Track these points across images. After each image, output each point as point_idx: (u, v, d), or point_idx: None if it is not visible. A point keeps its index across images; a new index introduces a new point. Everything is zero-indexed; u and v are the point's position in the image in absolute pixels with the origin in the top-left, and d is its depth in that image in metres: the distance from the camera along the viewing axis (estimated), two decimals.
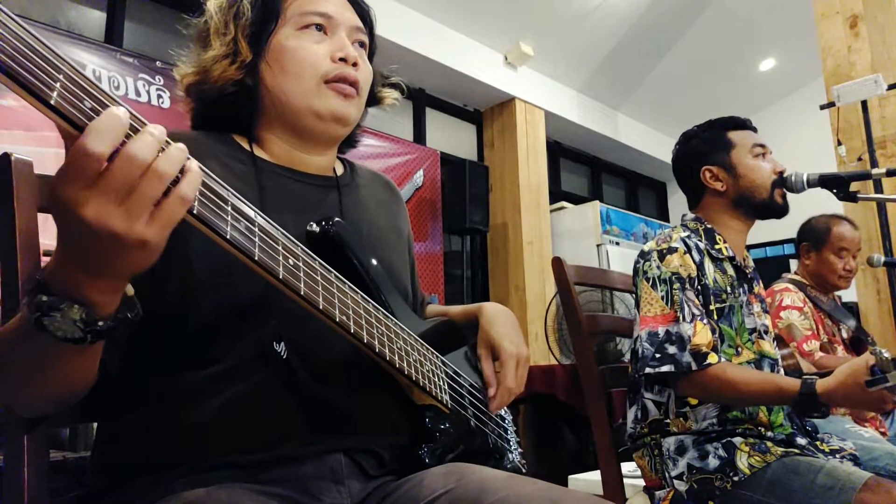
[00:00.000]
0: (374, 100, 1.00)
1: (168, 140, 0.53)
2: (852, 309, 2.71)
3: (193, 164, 0.55)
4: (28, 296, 0.55)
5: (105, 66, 3.00)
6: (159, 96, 3.17)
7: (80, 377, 0.67)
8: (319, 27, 0.89)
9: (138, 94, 3.10)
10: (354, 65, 0.89)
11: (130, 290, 0.61)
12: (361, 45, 0.94)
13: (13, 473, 0.77)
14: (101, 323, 0.57)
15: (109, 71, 3.01)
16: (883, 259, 2.28)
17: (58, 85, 0.49)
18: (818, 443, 1.40)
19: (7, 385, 0.67)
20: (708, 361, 1.27)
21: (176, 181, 0.53)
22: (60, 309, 0.54)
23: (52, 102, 0.48)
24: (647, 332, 1.34)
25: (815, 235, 2.29)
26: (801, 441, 1.35)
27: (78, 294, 0.55)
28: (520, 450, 1.03)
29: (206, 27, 0.89)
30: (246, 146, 0.89)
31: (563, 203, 5.27)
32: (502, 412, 1.04)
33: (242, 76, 0.87)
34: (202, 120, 0.92)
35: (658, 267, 1.39)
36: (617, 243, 5.00)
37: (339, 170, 0.99)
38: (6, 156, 0.84)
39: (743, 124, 1.56)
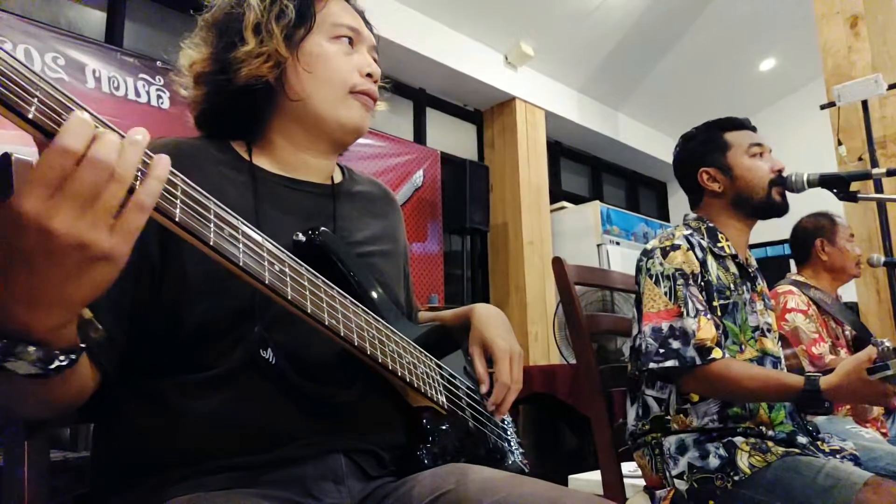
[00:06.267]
0: None
1: (124, 142, 0.51)
2: (853, 309, 2.71)
3: (157, 169, 0.53)
4: None
5: (105, 66, 3.00)
6: (159, 97, 3.17)
7: (66, 394, 0.65)
8: (349, 40, 0.91)
9: (138, 94, 3.10)
10: (376, 81, 0.92)
11: (87, 312, 0.59)
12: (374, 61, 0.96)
13: (13, 473, 0.77)
14: (61, 357, 0.55)
15: (109, 71, 3.01)
16: (883, 259, 2.28)
17: (35, 101, 0.48)
18: (819, 442, 1.40)
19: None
20: (712, 356, 1.28)
21: (132, 189, 0.51)
22: (14, 353, 0.52)
23: (31, 117, 0.48)
24: (650, 328, 1.34)
25: (824, 229, 2.30)
26: (802, 440, 1.35)
27: (29, 334, 0.52)
28: (521, 450, 1.03)
29: (239, 19, 0.86)
30: (244, 153, 0.89)
31: (564, 203, 5.27)
32: None
33: (272, 75, 0.86)
34: (210, 115, 0.90)
35: (661, 264, 1.39)
36: (617, 243, 5.00)
37: (338, 177, 0.99)
38: (6, 156, 0.84)
39: (741, 124, 1.56)
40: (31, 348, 0.52)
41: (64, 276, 0.50)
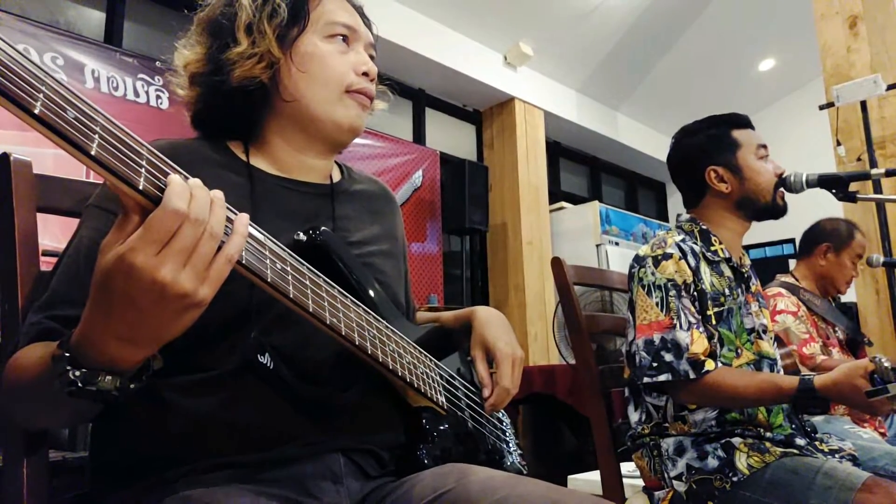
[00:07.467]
0: None
1: (213, 201, 0.56)
2: (851, 309, 2.71)
3: (240, 226, 0.58)
4: (57, 366, 0.57)
5: (104, 66, 3.00)
6: (158, 97, 3.17)
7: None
8: (344, 38, 0.90)
9: (137, 94, 3.10)
10: (372, 80, 0.91)
11: None
12: (371, 58, 0.95)
13: (13, 473, 0.77)
14: (132, 385, 0.61)
15: (108, 71, 3.01)
16: (882, 259, 2.28)
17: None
18: (817, 443, 1.40)
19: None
20: (706, 369, 1.27)
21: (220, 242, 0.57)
22: (94, 383, 0.57)
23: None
24: (643, 341, 1.34)
25: (838, 238, 2.27)
26: (801, 441, 1.35)
27: (113, 365, 0.58)
28: (519, 451, 1.03)
29: (232, 19, 0.86)
30: (241, 154, 0.89)
31: (563, 203, 5.28)
32: (499, 415, 1.04)
33: (265, 75, 0.85)
34: (206, 116, 0.90)
35: (653, 273, 1.37)
36: (616, 243, 5.00)
37: (336, 176, 0.99)
38: (5, 156, 0.84)
39: (745, 123, 1.53)
40: (109, 377, 0.58)
41: (164, 319, 0.56)
